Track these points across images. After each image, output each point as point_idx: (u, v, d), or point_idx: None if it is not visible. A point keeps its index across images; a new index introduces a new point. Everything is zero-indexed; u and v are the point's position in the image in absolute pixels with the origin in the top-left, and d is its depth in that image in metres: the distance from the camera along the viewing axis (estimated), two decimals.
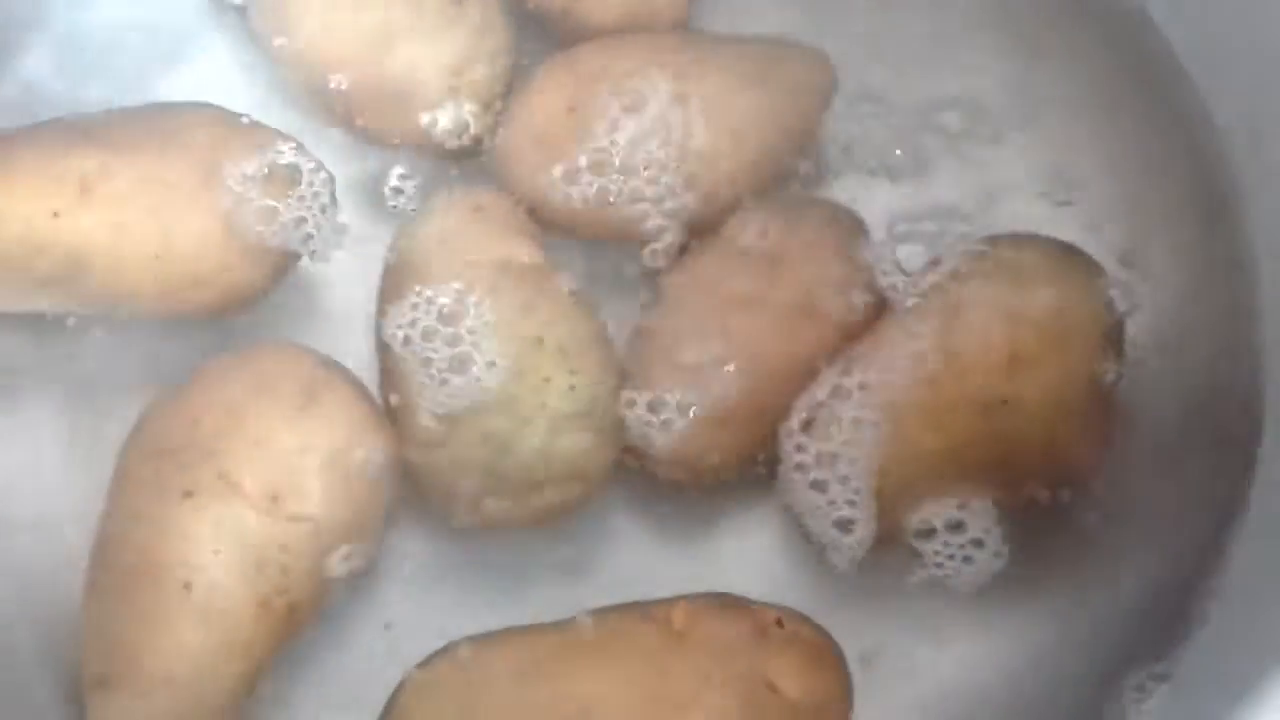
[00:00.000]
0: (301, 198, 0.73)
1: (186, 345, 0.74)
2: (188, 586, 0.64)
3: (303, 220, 0.73)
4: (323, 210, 0.73)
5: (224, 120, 0.73)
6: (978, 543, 0.69)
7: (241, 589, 0.65)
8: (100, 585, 0.67)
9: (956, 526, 0.69)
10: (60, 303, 0.73)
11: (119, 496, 0.68)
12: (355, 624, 0.73)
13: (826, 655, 0.67)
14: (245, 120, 0.74)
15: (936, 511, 0.69)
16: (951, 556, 0.69)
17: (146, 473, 0.67)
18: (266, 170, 0.72)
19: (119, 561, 0.66)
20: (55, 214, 0.69)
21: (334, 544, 0.67)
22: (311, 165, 0.73)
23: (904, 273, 0.73)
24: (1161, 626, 0.69)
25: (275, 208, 0.72)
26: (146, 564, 0.65)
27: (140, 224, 0.70)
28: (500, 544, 0.73)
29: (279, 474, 0.66)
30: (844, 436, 0.69)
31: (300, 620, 0.67)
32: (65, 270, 0.70)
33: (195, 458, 0.66)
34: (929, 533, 0.69)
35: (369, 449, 0.69)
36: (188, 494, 0.65)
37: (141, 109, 0.74)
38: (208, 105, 0.74)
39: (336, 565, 0.68)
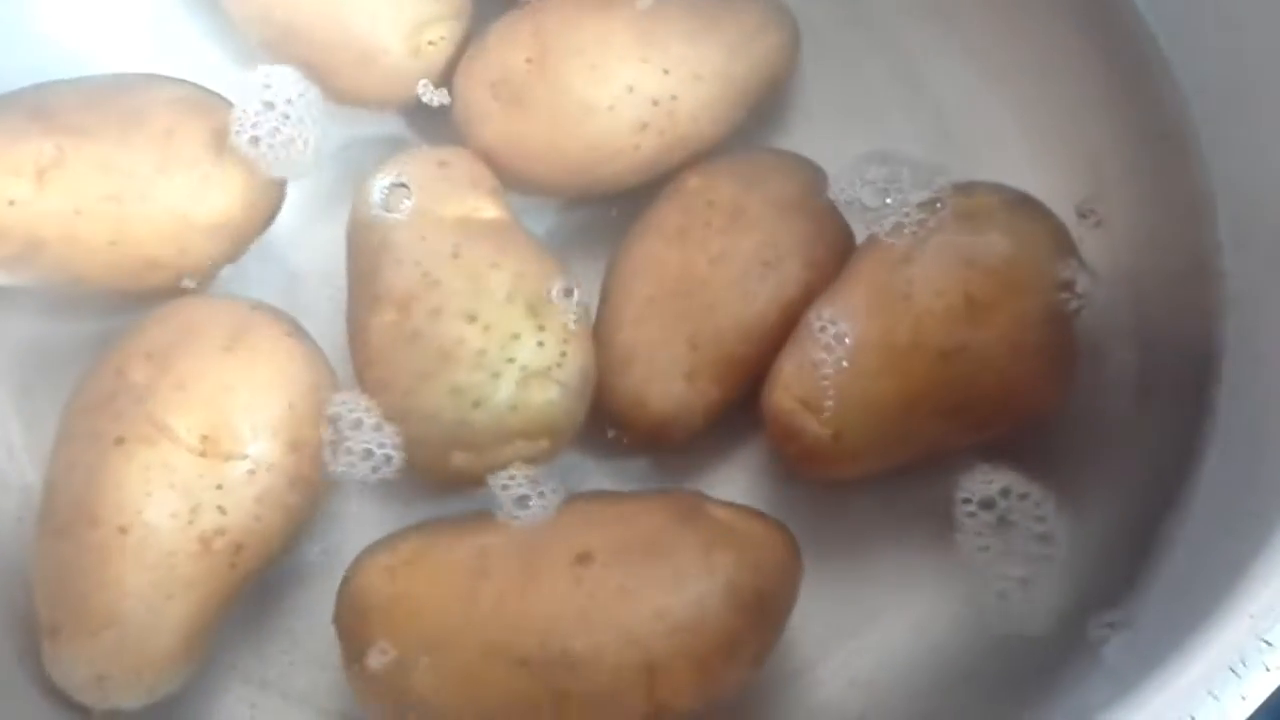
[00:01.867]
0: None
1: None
2: (123, 530, 0.65)
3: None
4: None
5: (183, 99, 0.73)
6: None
7: (178, 530, 0.65)
8: (45, 536, 0.68)
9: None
10: (14, 279, 0.73)
11: (58, 450, 0.69)
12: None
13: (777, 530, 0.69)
14: (204, 95, 0.73)
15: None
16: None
17: (81, 424, 0.68)
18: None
19: (59, 512, 0.67)
20: (11, 202, 0.69)
21: (275, 483, 0.68)
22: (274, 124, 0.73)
23: (864, 221, 0.74)
24: (1122, 568, 0.70)
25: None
26: (84, 512, 0.66)
27: (96, 211, 0.70)
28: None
29: (208, 415, 0.67)
30: (818, 385, 0.70)
31: (250, 561, 0.68)
32: (20, 253, 0.71)
33: (125, 405, 0.67)
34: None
35: (303, 386, 0.69)
36: (119, 441, 0.66)
37: (102, 83, 0.74)
38: (168, 81, 0.74)
39: (283, 505, 0.68)
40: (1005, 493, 0.70)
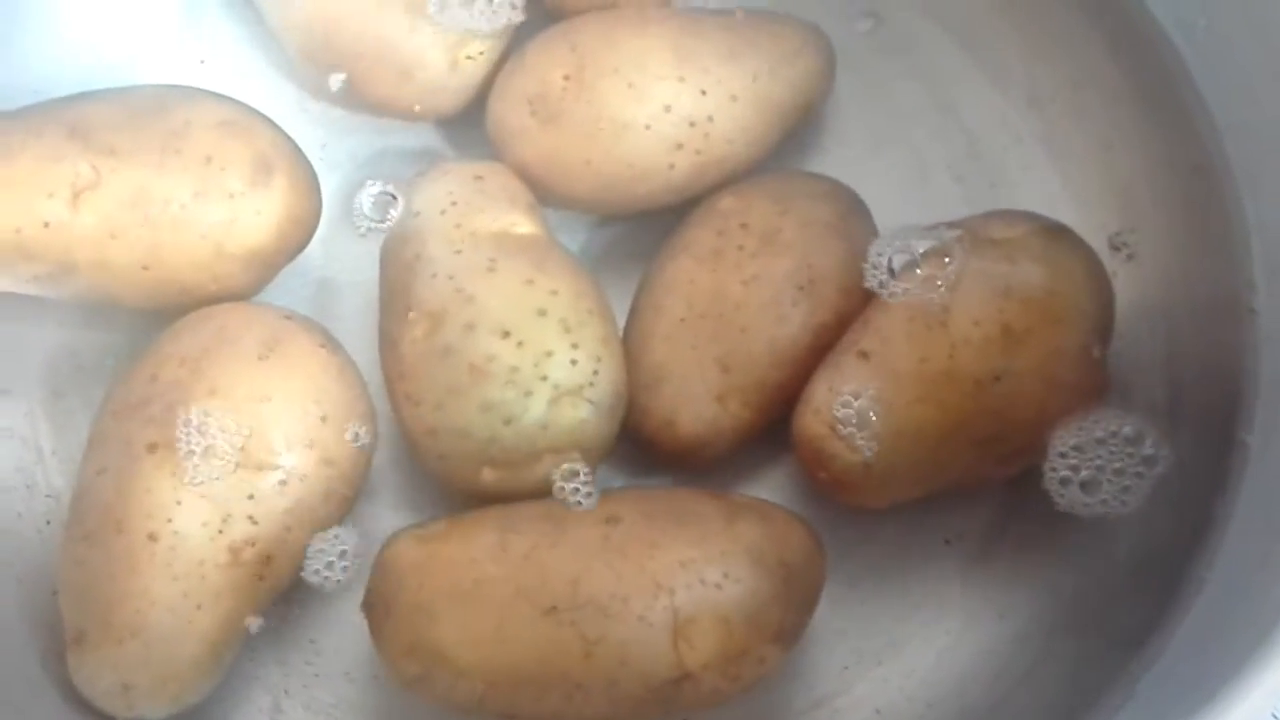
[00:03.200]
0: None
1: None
2: (152, 537, 0.65)
3: None
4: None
5: (224, 122, 0.72)
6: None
7: (208, 539, 0.65)
8: (73, 543, 0.67)
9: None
10: (46, 294, 0.73)
11: (89, 454, 0.69)
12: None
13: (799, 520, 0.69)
14: (245, 116, 0.73)
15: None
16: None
17: (113, 429, 0.68)
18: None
19: (89, 518, 0.67)
20: (46, 224, 0.69)
21: (306, 495, 0.67)
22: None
23: (900, 248, 0.74)
24: (1153, 605, 0.69)
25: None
26: (113, 518, 0.66)
27: (130, 235, 0.70)
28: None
29: (241, 423, 0.66)
30: (851, 411, 0.70)
31: (278, 573, 0.68)
32: (53, 272, 0.71)
33: (159, 411, 0.67)
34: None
35: (336, 398, 0.69)
36: (151, 447, 0.66)
37: (142, 99, 0.73)
38: (209, 98, 0.73)
39: (314, 518, 0.68)
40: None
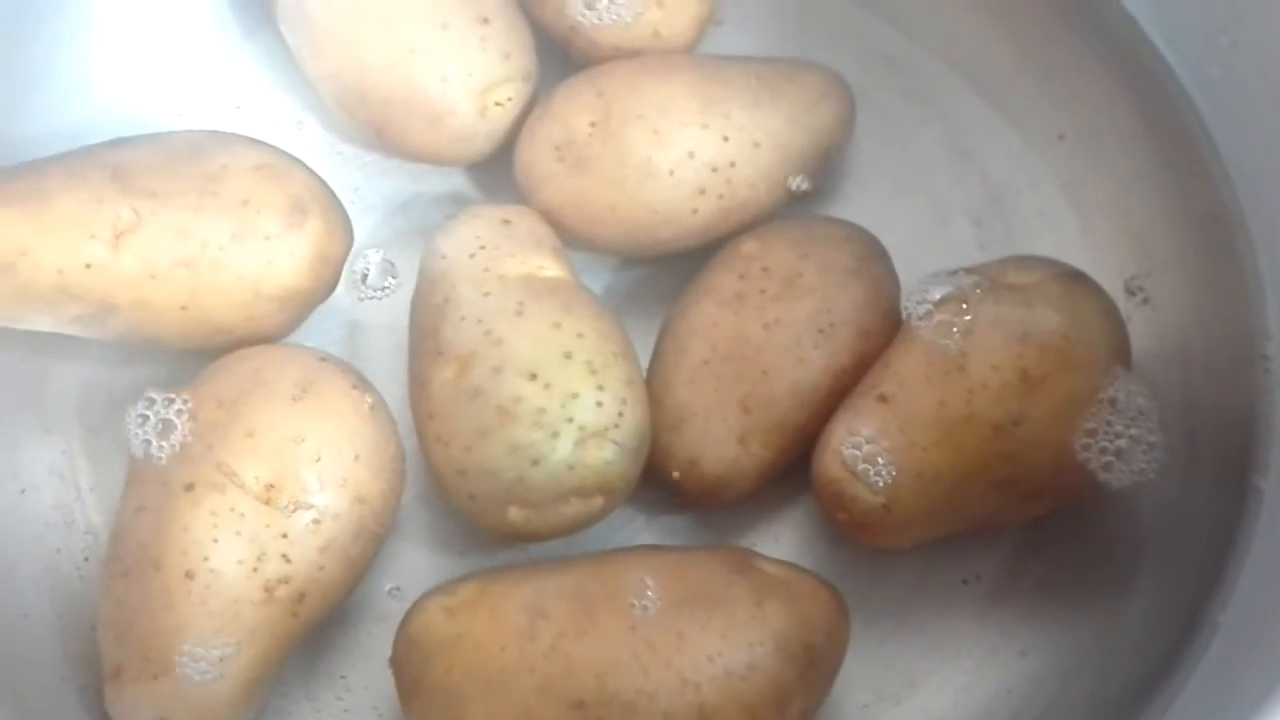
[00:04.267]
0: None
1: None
2: (189, 575, 0.66)
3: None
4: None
5: (260, 166, 0.74)
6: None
7: (243, 577, 0.67)
8: (111, 578, 0.69)
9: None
10: (87, 334, 0.74)
11: (128, 492, 0.70)
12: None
13: (825, 589, 0.70)
14: (280, 160, 0.75)
15: None
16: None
17: (151, 469, 0.69)
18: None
19: (127, 555, 0.68)
20: (88, 266, 0.71)
21: (339, 533, 0.69)
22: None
23: (917, 292, 0.75)
24: (1168, 648, 0.70)
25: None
26: (150, 556, 0.67)
27: (169, 276, 0.72)
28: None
29: (275, 464, 0.68)
30: (870, 454, 0.71)
31: (311, 610, 0.69)
32: (93, 313, 0.72)
33: (196, 451, 0.68)
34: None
35: (368, 438, 0.70)
36: (188, 486, 0.67)
37: (180, 143, 0.74)
38: (245, 142, 0.75)
39: (346, 556, 0.69)
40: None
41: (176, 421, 0.69)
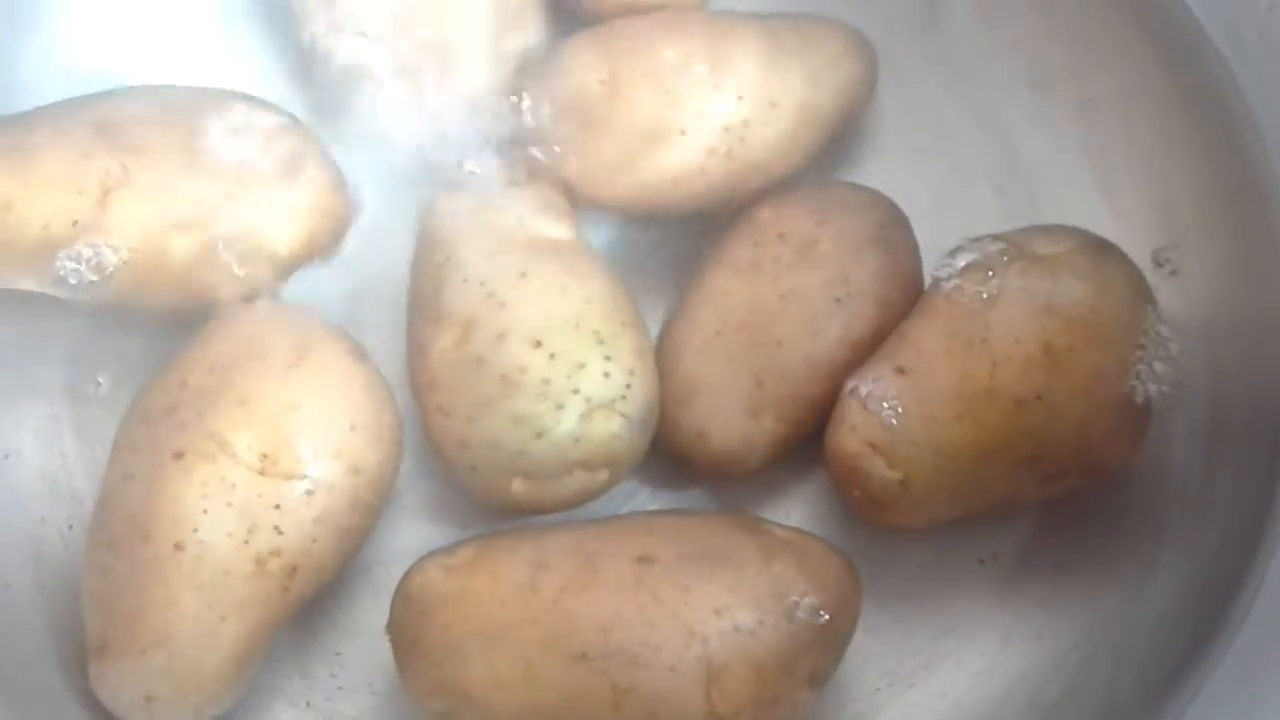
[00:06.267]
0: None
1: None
2: (179, 547, 0.64)
3: None
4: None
5: (254, 123, 0.72)
6: None
7: (233, 549, 0.64)
8: (97, 550, 0.67)
9: None
10: (72, 295, 0.72)
11: (115, 459, 0.68)
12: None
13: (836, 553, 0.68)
14: (274, 117, 0.73)
15: None
16: None
17: (141, 434, 0.67)
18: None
19: (113, 525, 0.66)
20: (74, 222, 0.69)
21: (333, 504, 0.66)
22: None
23: (940, 260, 0.73)
24: (1192, 634, 0.68)
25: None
26: (138, 526, 0.65)
27: (159, 234, 0.69)
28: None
29: (269, 432, 0.66)
30: (887, 428, 0.68)
31: (303, 583, 0.67)
32: (80, 271, 0.70)
33: (187, 418, 0.66)
34: None
35: (364, 407, 0.68)
36: (178, 455, 0.65)
37: (171, 97, 0.73)
38: (239, 99, 0.73)
39: (340, 528, 0.67)
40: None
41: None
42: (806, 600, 0.64)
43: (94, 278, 0.70)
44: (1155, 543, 0.72)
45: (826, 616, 0.64)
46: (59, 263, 0.69)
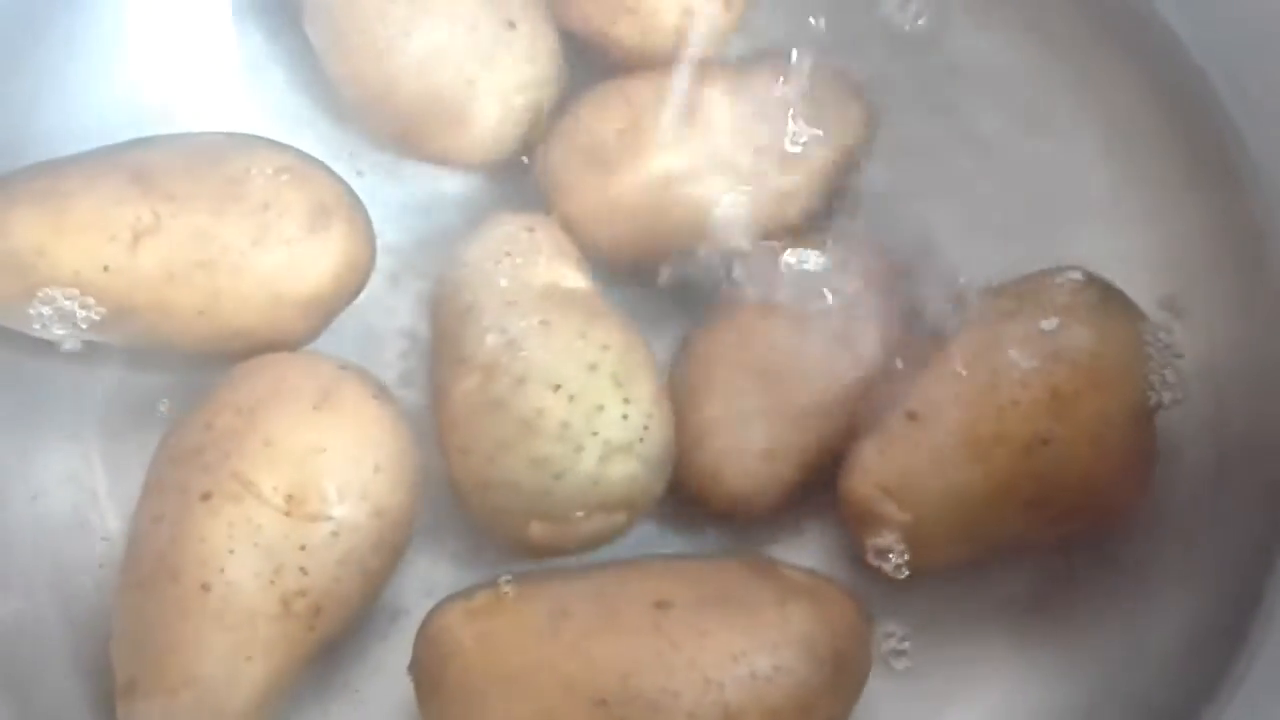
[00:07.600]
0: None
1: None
2: (205, 587, 0.65)
3: None
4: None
5: (283, 169, 0.73)
6: None
7: (260, 590, 0.65)
8: (126, 589, 0.67)
9: None
10: (102, 338, 0.73)
11: (145, 500, 0.69)
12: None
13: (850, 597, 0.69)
14: (304, 164, 0.74)
15: None
16: None
17: (169, 476, 0.68)
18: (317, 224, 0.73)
19: (142, 565, 0.67)
20: (106, 268, 0.70)
21: (358, 545, 0.68)
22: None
23: (948, 305, 0.74)
24: (1204, 674, 0.69)
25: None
26: (166, 566, 0.66)
27: (188, 280, 0.71)
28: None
29: (294, 474, 0.67)
30: (892, 471, 0.70)
31: (328, 624, 0.68)
32: (111, 316, 0.71)
33: (214, 459, 0.67)
34: None
35: (389, 449, 0.69)
36: (205, 496, 0.66)
37: (202, 145, 0.74)
38: (268, 146, 0.74)
39: (364, 569, 0.68)
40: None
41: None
42: (822, 644, 0.65)
43: (122, 322, 0.71)
44: (1164, 584, 0.73)
45: (842, 660, 0.65)
46: (87, 311, 0.71)
